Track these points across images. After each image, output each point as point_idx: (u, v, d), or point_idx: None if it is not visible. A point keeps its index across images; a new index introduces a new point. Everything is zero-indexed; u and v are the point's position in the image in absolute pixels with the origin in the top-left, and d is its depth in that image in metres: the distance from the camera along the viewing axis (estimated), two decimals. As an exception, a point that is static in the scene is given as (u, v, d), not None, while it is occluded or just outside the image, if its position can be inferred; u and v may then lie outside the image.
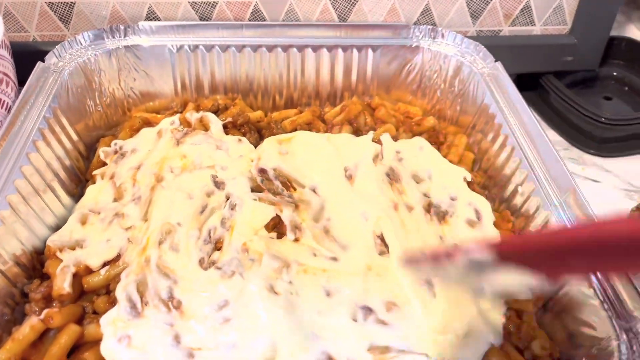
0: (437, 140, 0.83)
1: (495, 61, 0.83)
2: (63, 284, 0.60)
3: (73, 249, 0.65)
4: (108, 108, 0.86)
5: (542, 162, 0.69)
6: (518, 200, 0.70)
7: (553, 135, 0.97)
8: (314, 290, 0.60)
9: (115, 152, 0.79)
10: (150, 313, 0.57)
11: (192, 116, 0.84)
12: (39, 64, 0.77)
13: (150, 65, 0.87)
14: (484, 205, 0.72)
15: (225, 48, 0.86)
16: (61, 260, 0.63)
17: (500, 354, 0.57)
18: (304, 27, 0.88)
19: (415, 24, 0.95)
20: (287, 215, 0.68)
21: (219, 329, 0.56)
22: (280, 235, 0.67)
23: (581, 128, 0.96)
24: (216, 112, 0.86)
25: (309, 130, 0.85)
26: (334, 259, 0.64)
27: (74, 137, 0.78)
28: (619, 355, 0.51)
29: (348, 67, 0.89)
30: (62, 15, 0.90)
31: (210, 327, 0.56)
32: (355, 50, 0.88)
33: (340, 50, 0.87)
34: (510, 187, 0.72)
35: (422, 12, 0.94)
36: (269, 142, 0.80)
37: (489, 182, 0.77)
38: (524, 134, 0.73)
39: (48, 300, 0.59)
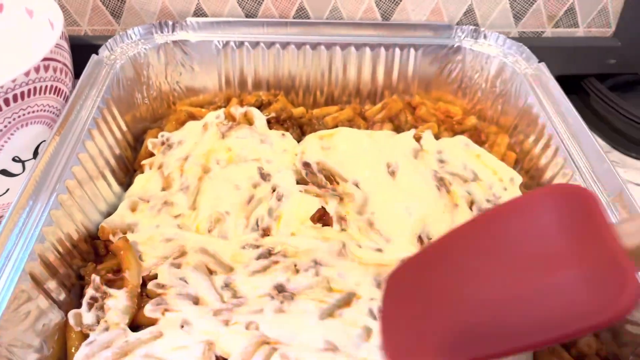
0: (478, 139, 0.83)
1: (539, 62, 0.83)
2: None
3: (125, 232, 0.67)
4: (154, 101, 0.89)
5: (587, 162, 0.69)
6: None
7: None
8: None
9: (162, 143, 0.81)
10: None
11: (237, 111, 0.85)
12: (94, 57, 0.80)
13: (196, 60, 0.89)
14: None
15: (269, 45, 0.88)
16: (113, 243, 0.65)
17: (548, 352, 0.57)
18: (347, 25, 0.89)
19: (457, 24, 0.95)
20: (332, 207, 0.69)
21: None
22: (325, 226, 0.68)
23: (623, 131, 0.95)
24: (259, 107, 0.88)
25: (350, 127, 0.86)
26: (379, 250, 0.65)
27: (124, 127, 0.80)
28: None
29: (389, 65, 0.90)
30: (114, 10, 0.93)
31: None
32: (397, 49, 0.89)
33: (382, 49, 0.89)
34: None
35: (465, 12, 0.94)
36: (311, 138, 0.81)
37: (531, 182, 0.77)
38: (569, 135, 0.73)
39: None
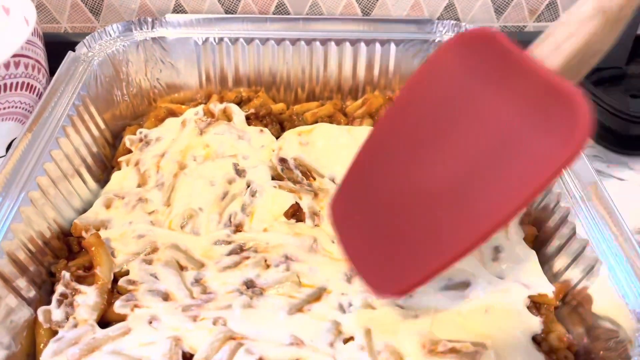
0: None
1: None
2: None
3: (98, 229, 0.67)
4: (134, 98, 0.89)
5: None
6: (538, 193, 0.70)
7: (577, 132, 0.96)
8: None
9: (141, 140, 0.81)
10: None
11: (216, 107, 0.85)
12: (70, 54, 0.80)
13: (176, 57, 0.89)
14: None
15: (249, 41, 0.88)
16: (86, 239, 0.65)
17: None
18: (327, 20, 0.89)
19: (438, 18, 0.95)
20: (306, 202, 0.69)
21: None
22: (299, 222, 0.68)
23: (606, 126, 0.94)
24: (239, 103, 0.87)
25: (330, 123, 0.85)
26: (352, 246, 0.65)
27: (102, 125, 0.80)
28: (636, 347, 0.51)
29: (370, 61, 0.89)
30: (93, 8, 0.93)
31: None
32: (378, 44, 0.88)
33: (363, 44, 0.88)
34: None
35: (445, 7, 0.94)
36: (289, 134, 0.81)
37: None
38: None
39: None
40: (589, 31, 0.41)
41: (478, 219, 0.42)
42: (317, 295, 0.60)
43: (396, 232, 0.48)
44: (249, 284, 0.60)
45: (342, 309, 0.58)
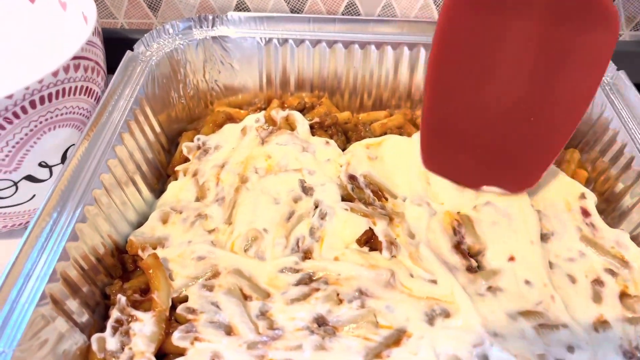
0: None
1: (618, 69, 0.74)
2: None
3: (155, 247, 0.62)
4: (191, 100, 0.84)
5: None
6: (643, 234, 0.62)
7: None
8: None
9: (198, 147, 0.76)
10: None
11: (278, 114, 0.79)
12: (128, 53, 0.75)
13: (236, 57, 0.83)
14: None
15: (315, 43, 0.81)
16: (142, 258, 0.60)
17: None
18: (400, 23, 0.82)
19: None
20: (381, 229, 0.62)
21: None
22: (372, 250, 0.61)
23: None
24: (302, 110, 0.81)
25: (400, 134, 0.78)
26: (433, 281, 0.58)
27: (157, 128, 0.75)
28: None
29: (445, 68, 0.82)
30: (151, 3, 0.88)
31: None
32: (455, 51, 0.81)
33: (438, 49, 0.80)
34: (635, 217, 0.63)
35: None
36: (357, 147, 0.75)
37: (606, 207, 0.68)
38: (654, 155, 0.64)
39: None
40: None
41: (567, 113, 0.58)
42: (396, 338, 0.53)
43: (499, 145, 0.62)
44: (320, 321, 0.54)
45: (424, 356, 0.52)
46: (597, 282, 0.59)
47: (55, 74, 0.56)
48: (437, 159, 0.67)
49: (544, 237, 0.63)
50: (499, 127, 0.61)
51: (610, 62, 0.75)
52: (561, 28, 0.53)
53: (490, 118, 0.60)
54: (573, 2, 0.51)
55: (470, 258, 0.61)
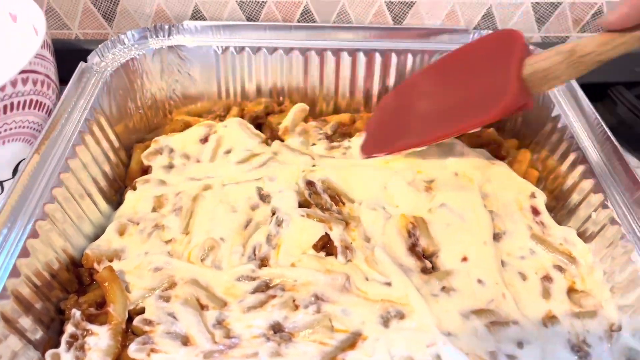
0: (498, 154, 0.77)
1: (565, 71, 0.76)
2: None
3: (111, 260, 0.62)
4: (149, 110, 0.83)
5: (622, 187, 0.62)
6: (590, 228, 0.64)
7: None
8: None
9: (158, 152, 0.75)
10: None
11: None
12: (81, 64, 0.74)
13: (193, 66, 0.83)
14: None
15: (272, 50, 0.82)
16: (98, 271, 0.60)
17: None
18: (356, 29, 0.83)
19: (475, 28, 0.88)
20: (337, 234, 0.63)
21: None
22: (329, 255, 0.62)
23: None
24: (268, 115, 0.82)
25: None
26: (387, 284, 0.59)
27: (114, 140, 0.74)
28: None
29: (401, 73, 0.83)
30: (106, 13, 0.88)
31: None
32: (410, 55, 0.82)
33: (393, 55, 0.82)
34: (582, 213, 0.65)
35: (483, 15, 0.87)
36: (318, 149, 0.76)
37: (556, 204, 0.70)
38: (598, 153, 0.66)
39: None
40: (556, 60, 0.59)
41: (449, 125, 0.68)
42: (352, 341, 0.54)
43: (404, 126, 0.74)
44: (276, 328, 0.55)
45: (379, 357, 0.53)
46: (547, 278, 0.60)
47: (2, 88, 0.56)
48: (376, 143, 0.75)
49: (496, 237, 0.64)
50: (415, 116, 0.74)
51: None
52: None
53: (418, 110, 0.74)
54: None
55: (425, 260, 0.62)
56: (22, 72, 0.57)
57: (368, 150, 0.75)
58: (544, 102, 0.75)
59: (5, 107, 0.57)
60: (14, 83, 0.57)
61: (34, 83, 0.60)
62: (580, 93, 0.74)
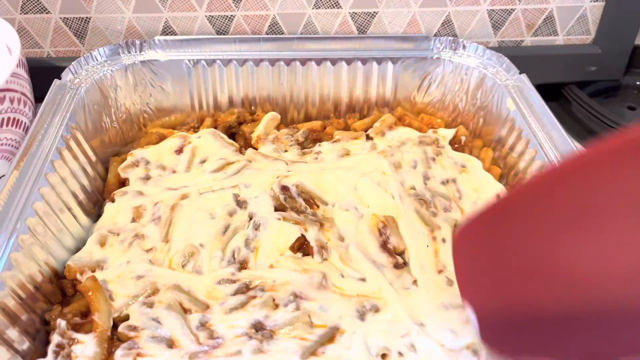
0: (462, 152, 0.81)
1: (520, 73, 0.81)
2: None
3: (93, 270, 0.63)
4: (124, 124, 0.85)
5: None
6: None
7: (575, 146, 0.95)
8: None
9: (134, 164, 0.77)
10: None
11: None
12: (56, 82, 0.76)
13: (166, 80, 0.85)
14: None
15: (242, 62, 0.85)
16: (81, 282, 0.61)
17: None
18: (322, 39, 0.86)
19: (435, 35, 0.93)
20: (312, 234, 0.66)
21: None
22: (306, 255, 0.65)
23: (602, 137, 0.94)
24: (241, 124, 0.85)
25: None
26: (362, 279, 0.62)
27: (91, 154, 0.76)
28: None
29: (368, 79, 0.87)
30: (77, 31, 0.89)
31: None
32: (374, 63, 0.86)
33: (359, 62, 0.86)
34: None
35: (442, 23, 0.92)
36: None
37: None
38: (553, 149, 0.71)
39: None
40: None
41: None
42: (330, 335, 0.57)
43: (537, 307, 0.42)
44: (258, 327, 0.57)
45: (356, 349, 0.56)
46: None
47: (-20, 107, 0.57)
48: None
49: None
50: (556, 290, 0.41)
51: (513, 66, 0.82)
52: None
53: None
54: None
55: (397, 256, 0.66)
56: (-1, 90, 0.59)
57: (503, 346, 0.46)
58: (502, 103, 0.80)
59: (-17, 125, 0.58)
60: (-9, 102, 0.58)
61: (11, 101, 0.61)
62: (534, 92, 0.78)
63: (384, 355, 0.55)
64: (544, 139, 0.72)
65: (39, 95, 0.74)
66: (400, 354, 0.55)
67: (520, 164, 0.75)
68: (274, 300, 0.59)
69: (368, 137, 0.84)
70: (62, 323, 0.57)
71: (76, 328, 0.58)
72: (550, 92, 0.99)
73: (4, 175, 0.65)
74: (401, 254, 0.66)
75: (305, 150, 0.82)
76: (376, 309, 0.59)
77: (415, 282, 0.62)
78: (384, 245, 0.66)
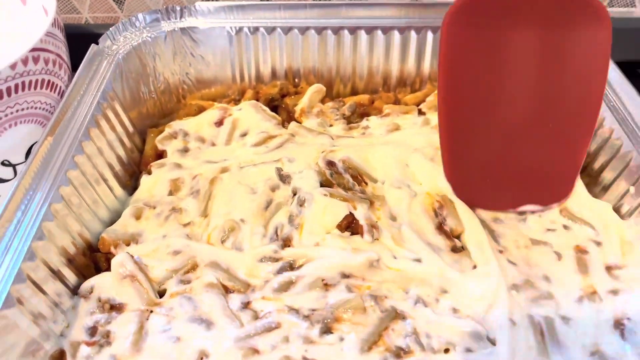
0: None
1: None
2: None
3: (128, 243, 0.60)
4: (162, 95, 0.81)
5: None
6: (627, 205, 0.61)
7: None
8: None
9: (172, 136, 0.73)
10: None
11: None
12: (93, 47, 0.72)
13: (207, 49, 0.81)
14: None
15: (287, 30, 0.80)
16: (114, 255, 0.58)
17: None
18: (373, 6, 0.80)
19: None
20: (361, 212, 0.60)
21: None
22: (354, 234, 0.60)
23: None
24: (283, 97, 0.80)
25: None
26: (418, 260, 0.56)
27: (128, 125, 0.72)
28: None
29: (420, 50, 0.81)
30: (116, -4, 0.86)
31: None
32: (430, 32, 0.80)
33: (413, 32, 0.79)
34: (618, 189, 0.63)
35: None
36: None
37: (589, 181, 0.67)
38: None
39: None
40: None
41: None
42: (387, 322, 0.52)
43: (524, 163, 0.60)
44: (308, 311, 0.52)
45: (414, 336, 0.50)
46: (582, 251, 0.58)
47: (13, 66, 0.54)
48: (464, 188, 0.62)
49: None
50: (519, 145, 0.59)
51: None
52: (556, 33, 0.54)
53: (508, 137, 0.59)
54: (563, 6, 0.53)
55: (455, 239, 0.60)
56: (33, 50, 0.55)
57: (458, 190, 0.63)
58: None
59: (16, 86, 0.55)
60: (24, 61, 0.55)
61: (46, 62, 0.58)
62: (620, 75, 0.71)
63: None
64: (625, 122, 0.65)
65: (75, 63, 0.71)
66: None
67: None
68: (323, 280, 0.54)
69: (420, 112, 0.78)
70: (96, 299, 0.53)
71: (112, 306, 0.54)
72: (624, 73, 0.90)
73: (37, 142, 0.62)
74: (458, 237, 0.60)
75: (352, 124, 0.76)
76: (443, 290, 0.54)
77: (475, 267, 0.56)
78: (439, 227, 0.60)
